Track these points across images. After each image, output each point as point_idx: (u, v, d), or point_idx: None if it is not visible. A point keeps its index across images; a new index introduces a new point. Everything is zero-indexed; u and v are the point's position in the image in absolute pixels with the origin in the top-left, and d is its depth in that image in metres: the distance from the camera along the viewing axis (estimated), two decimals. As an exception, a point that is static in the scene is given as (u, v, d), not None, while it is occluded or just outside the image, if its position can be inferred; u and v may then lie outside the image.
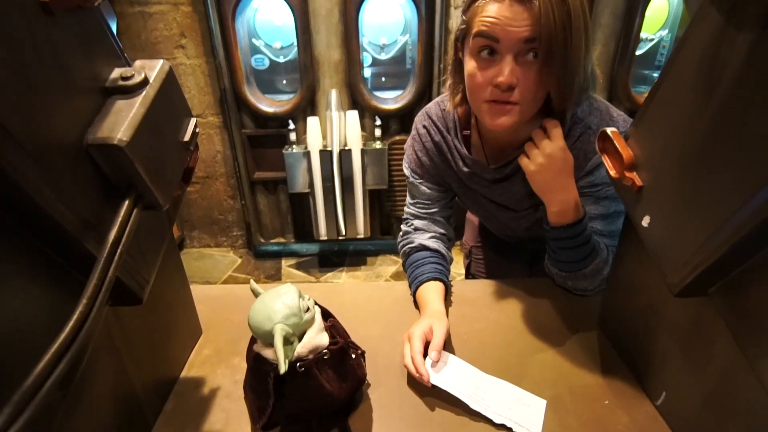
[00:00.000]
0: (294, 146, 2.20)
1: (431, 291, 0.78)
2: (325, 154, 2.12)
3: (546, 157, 0.67)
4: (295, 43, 2.09)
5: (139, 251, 0.48)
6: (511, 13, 0.60)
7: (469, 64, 0.67)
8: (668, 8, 2.20)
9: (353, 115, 2.13)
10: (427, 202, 0.88)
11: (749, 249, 0.39)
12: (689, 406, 0.54)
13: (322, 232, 2.33)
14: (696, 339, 0.52)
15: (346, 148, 2.12)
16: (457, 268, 2.19)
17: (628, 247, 0.66)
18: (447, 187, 0.88)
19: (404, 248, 0.88)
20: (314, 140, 2.13)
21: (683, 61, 0.47)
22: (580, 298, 0.82)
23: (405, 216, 0.92)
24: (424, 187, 0.87)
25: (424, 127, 0.85)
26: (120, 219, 0.40)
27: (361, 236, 2.38)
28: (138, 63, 0.45)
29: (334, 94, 2.11)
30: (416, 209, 0.89)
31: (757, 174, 0.36)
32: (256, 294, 0.56)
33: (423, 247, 0.86)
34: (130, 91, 0.42)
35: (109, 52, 0.43)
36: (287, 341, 0.49)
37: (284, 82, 2.37)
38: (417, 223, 0.89)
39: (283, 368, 0.45)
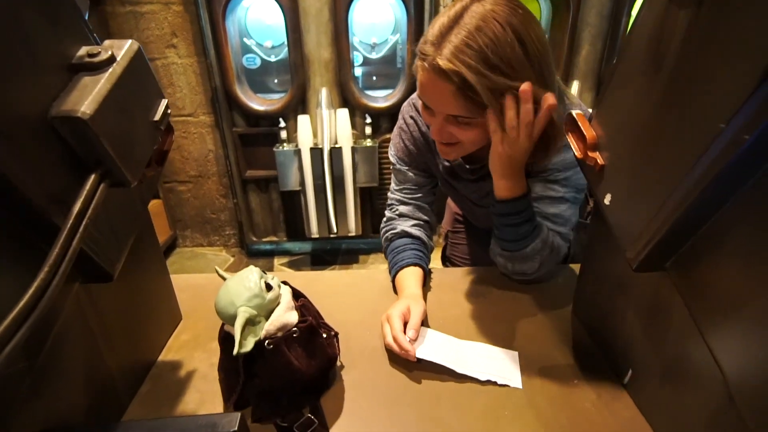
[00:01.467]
0: (285, 144, 2.21)
1: (410, 276, 0.80)
2: (316, 152, 2.13)
3: (518, 153, 0.65)
4: (286, 42, 2.10)
5: (109, 228, 0.49)
6: (433, 86, 0.62)
7: (419, 101, 0.71)
8: (655, 8, 2.23)
9: (344, 113, 2.14)
10: (413, 187, 0.90)
11: (695, 220, 0.41)
12: (651, 381, 0.55)
13: (314, 230, 2.34)
14: (656, 314, 0.53)
15: (337, 146, 2.13)
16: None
17: (599, 230, 0.67)
18: (431, 173, 0.90)
19: (386, 234, 0.90)
20: (305, 138, 2.14)
21: (635, 41, 0.49)
22: (555, 285, 0.83)
23: (390, 202, 0.93)
24: (411, 173, 0.89)
25: (412, 117, 0.86)
26: (86, 192, 0.41)
27: (353, 234, 2.39)
28: (107, 42, 0.46)
29: (324, 93, 2.13)
30: (402, 195, 0.91)
31: (697, 146, 0.37)
32: (224, 279, 0.56)
33: (405, 234, 0.87)
34: (97, 68, 0.43)
35: (77, 31, 0.44)
36: (252, 322, 0.50)
37: (276, 81, 2.38)
38: (402, 208, 0.90)
39: (237, 348, 0.46)
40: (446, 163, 0.84)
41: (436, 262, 1.09)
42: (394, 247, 0.86)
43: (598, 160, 0.54)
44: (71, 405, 0.50)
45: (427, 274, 0.84)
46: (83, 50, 0.43)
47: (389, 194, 0.93)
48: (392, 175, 0.93)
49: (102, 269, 0.48)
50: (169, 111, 0.53)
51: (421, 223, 0.89)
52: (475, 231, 1.11)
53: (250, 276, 0.52)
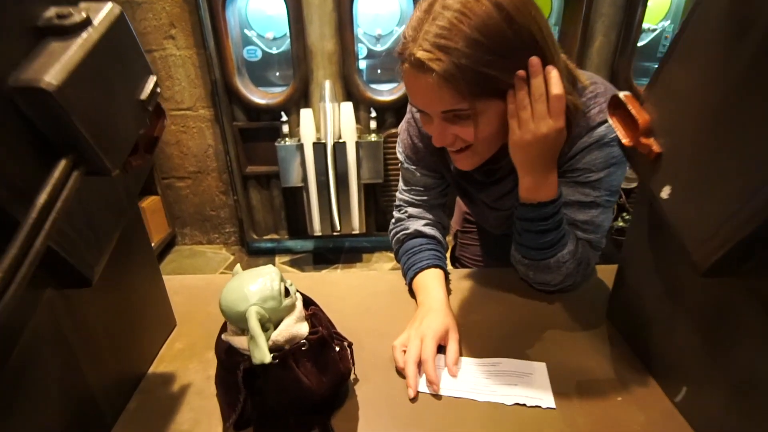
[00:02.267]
0: (287, 139, 2.14)
1: (432, 278, 0.72)
2: (319, 147, 2.06)
3: (539, 138, 0.57)
4: (288, 34, 2.03)
5: (86, 225, 0.42)
6: (417, 84, 0.57)
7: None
8: (670, -2, 2.16)
9: (348, 106, 2.07)
10: (421, 188, 0.82)
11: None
12: (713, 403, 0.47)
13: (317, 227, 2.27)
14: (722, 325, 0.46)
15: (341, 140, 2.06)
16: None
17: (641, 227, 0.60)
18: (442, 174, 0.83)
19: (398, 235, 0.82)
20: (308, 133, 2.07)
21: (706, 9, 0.41)
22: (585, 285, 0.76)
23: (398, 203, 0.86)
24: (419, 174, 0.81)
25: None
26: (53, 181, 0.34)
27: (356, 232, 2.31)
28: (82, 3, 0.39)
29: (327, 85, 2.06)
30: (410, 196, 0.83)
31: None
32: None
33: (419, 234, 0.80)
34: (68, 33, 0.35)
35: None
36: (263, 327, 0.43)
37: (277, 74, 2.31)
38: (411, 210, 0.83)
39: (266, 357, 0.40)
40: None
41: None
42: (409, 247, 0.79)
43: (654, 148, 0.46)
44: (43, 428, 0.43)
45: (447, 277, 0.77)
46: (52, 11, 0.36)
47: (397, 194, 0.86)
48: (400, 174, 0.85)
49: (78, 273, 0.41)
50: (158, 90, 0.46)
51: (433, 222, 0.82)
52: (487, 231, 1.03)
53: (271, 275, 0.45)
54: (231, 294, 0.45)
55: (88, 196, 0.42)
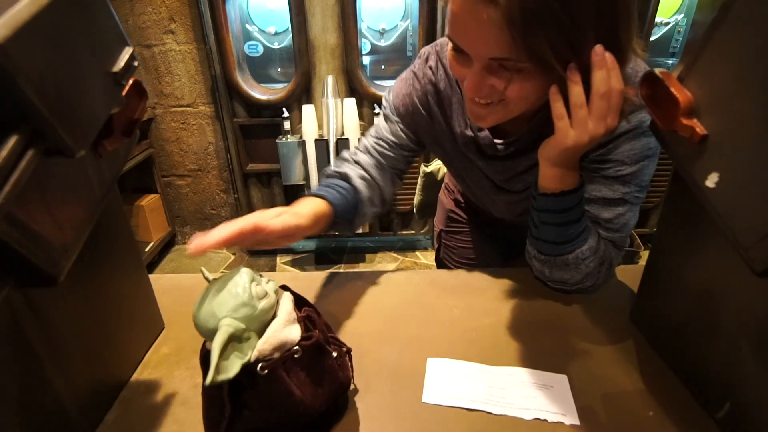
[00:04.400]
0: (288, 136, 2.09)
1: (305, 202, 0.62)
2: (321, 144, 2.01)
3: (594, 140, 0.50)
4: (290, 27, 1.98)
5: (48, 216, 0.37)
6: (471, 16, 0.45)
7: (448, 45, 0.53)
8: (684, -9, 2.09)
9: (350, 102, 2.01)
10: (390, 143, 0.73)
11: None
12: (764, 420, 0.42)
13: (318, 227, 2.21)
14: (777, 333, 0.40)
15: (343, 137, 2.01)
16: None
17: (673, 219, 0.54)
18: (421, 142, 0.74)
19: (329, 170, 0.73)
20: (310, 129, 2.02)
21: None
22: (605, 285, 0.70)
23: (357, 144, 0.76)
24: (397, 129, 0.72)
25: (431, 69, 0.69)
26: (1, 159, 0.29)
27: (359, 231, 2.26)
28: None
29: (330, 81, 2.00)
30: (372, 143, 0.74)
31: None
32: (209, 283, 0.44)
33: (346, 178, 0.70)
34: (20, -15, 0.30)
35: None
36: (239, 339, 0.37)
37: (279, 70, 2.26)
38: (362, 157, 0.73)
39: (210, 377, 0.34)
40: (468, 133, 0.67)
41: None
42: (325, 183, 0.69)
43: (698, 129, 0.41)
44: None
45: (334, 221, 0.65)
46: (2, -39, 0.31)
47: (361, 138, 0.77)
48: (375, 121, 0.76)
49: (39, 270, 0.36)
50: (135, 63, 0.41)
51: (371, 181, 0.71)
52: (476, 230, 0.96)
53: (238, 279, 0.39)
54: (200, 311, 0.39)
55: (51, 182, 0.37)
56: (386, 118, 0.74)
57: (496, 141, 0.66)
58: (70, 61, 0.33)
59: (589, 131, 0.49)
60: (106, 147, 0.42)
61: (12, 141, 0.30)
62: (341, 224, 0.68)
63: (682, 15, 2.12)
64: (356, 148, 0.76)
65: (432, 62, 0.69)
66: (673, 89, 0.43)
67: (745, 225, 0.36)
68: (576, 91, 0.48)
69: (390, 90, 0.75)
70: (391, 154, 0.73)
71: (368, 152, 0.74)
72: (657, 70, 0.45)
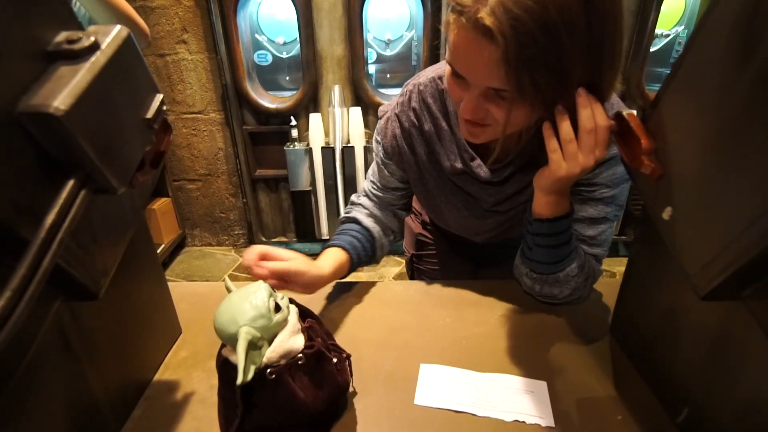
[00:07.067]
0: (296, 143, 2.16)
1: (326, 254, 0.74)
2: (328, 151, 2.07)
3: (585, 171, 0.54)
4: (298, 38, 2.05)
5: (92, 240, 0.43)
6: (472, 49, 0.49)
7: (447, 69, 0.58)
8: (684, 3, 2.13)
9: (356, 111, 2.08)
10: (383, 188, 0.82)
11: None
12: (715, 426, 0.47)
13: (324, 231, 2.28)
14: (724, 348, 0.45)
15: (349, 145, 2.07)
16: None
17: (644, 244, 0.60)
18: (407, 181, 0.81)
19: (342, 216, 0.85)
20: (316, 137, 2.09)
21: (712, 28, 0.41)
22: (586, 300, 0.75)
23: (362, 189, 0.86)
24: (386, 172, 0.80)
25: (415, 111, 0.72)
26: (61, 201, 0.35)
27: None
28: (91, 28, 0.40)
29: (336, 90, 2.07)
30: (370, 187, 0.83)
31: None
32: (229, 292, 0.50)
33: (356, 221, 0.81)
34: (77, 57, 0.37)
35: (55, 13, 0.38)
36: (255, 346, 0.44)
37: (287, 78, 2.33)
38: (365, 201, 0.83)
39: (241, 378, 0.40)
40: (458, 165, 0.71)
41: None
42: (340, 229, 0.81)
43: (656, 168, 0.46)
44: (51, 436, 0.44)
45: (353, 262, 0.76)
46: (62, 36, 0.37)
47: (363, 181, 0.87)
48: (374, 161, 0.84)
49: (85, 287, 0.42)
50: (164, 107, 0.47)
51: (377, 218, 0.82)
52: (443, 247, 1.01)
53: (258, 293, 0.46)
54: (221, 316, 0.46)
55: (94, 213, 0.43)
56: (377, 160, 0.81)
57: (491, 168, 0.70)
58: (114, 114, 0.40)
59: (580, 163, 0.53)
60: (138, 179, 0.48)
61: (70, 185, 0.36)
62: (365, 262, 0.80)
63: (682, 27, 2.15)
64: (360, 192, 0.86)
65: (415, 103, 0.72)
66: (637, 131, 0.48)
67: (690, 254, 0.42)
68: (565, 128, 0.53)
69: (378, 130, 0.78)
70: (385, 195, 0.82)
71: (367, 196, 0.84)
72: (625, 112, 0.51)
